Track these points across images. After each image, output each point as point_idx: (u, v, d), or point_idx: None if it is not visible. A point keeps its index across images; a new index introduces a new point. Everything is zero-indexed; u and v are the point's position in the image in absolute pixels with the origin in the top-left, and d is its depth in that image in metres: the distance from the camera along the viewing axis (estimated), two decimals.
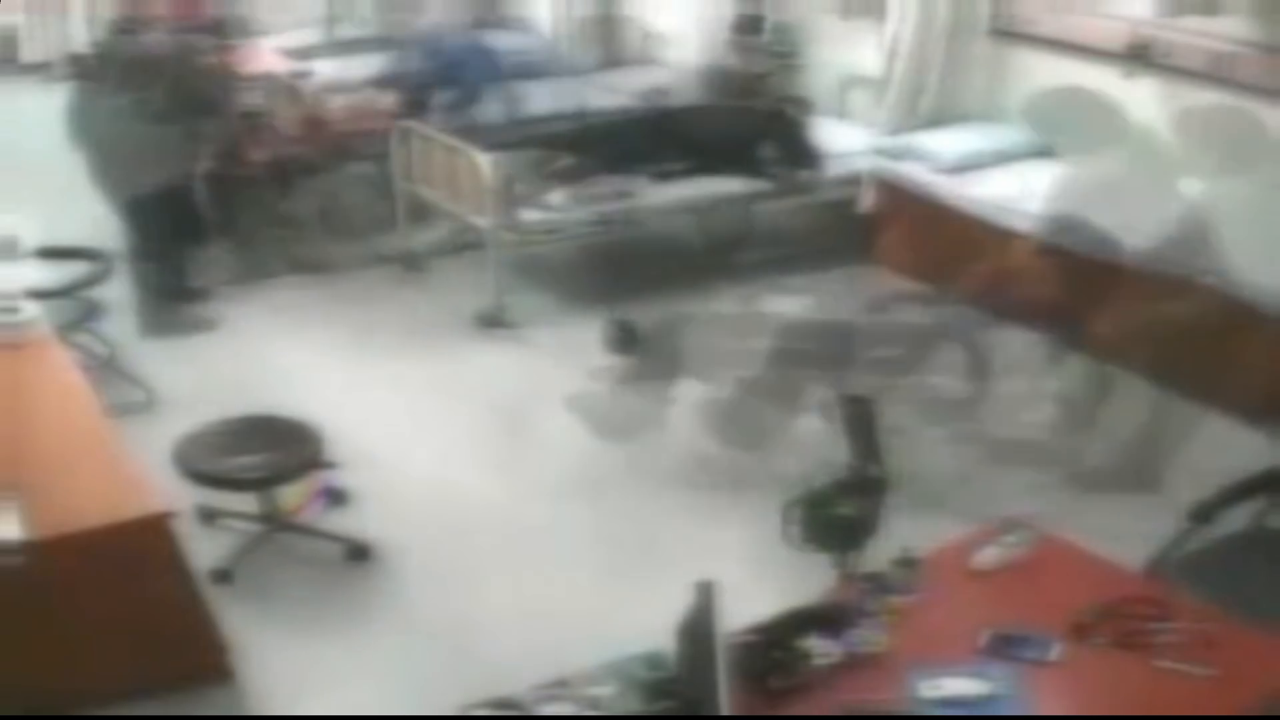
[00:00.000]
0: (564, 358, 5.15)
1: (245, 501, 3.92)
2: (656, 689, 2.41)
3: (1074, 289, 4.41)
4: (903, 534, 2.81)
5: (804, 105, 6.31)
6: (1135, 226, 4.28)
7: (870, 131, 6.23)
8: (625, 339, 5.26)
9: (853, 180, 6.15)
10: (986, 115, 6.07)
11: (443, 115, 6.34)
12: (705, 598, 2.28)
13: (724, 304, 5.22)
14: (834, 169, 6.12)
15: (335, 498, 4.15)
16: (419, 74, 6.65)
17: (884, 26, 6.13)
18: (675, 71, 7.11)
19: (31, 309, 4.14)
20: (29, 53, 8.57)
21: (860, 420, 2.82)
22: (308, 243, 6.19)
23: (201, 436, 3.83)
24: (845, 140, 6.21)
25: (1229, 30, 5.10)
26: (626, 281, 5.87)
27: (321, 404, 4.39)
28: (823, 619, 2.51)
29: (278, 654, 3.49)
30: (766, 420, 4.43)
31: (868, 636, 2.49)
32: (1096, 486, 4.19)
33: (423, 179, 6.00)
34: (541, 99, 6.72)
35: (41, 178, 5.61)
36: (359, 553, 3.92)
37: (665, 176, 5.96)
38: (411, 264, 6.17)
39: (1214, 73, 5.06)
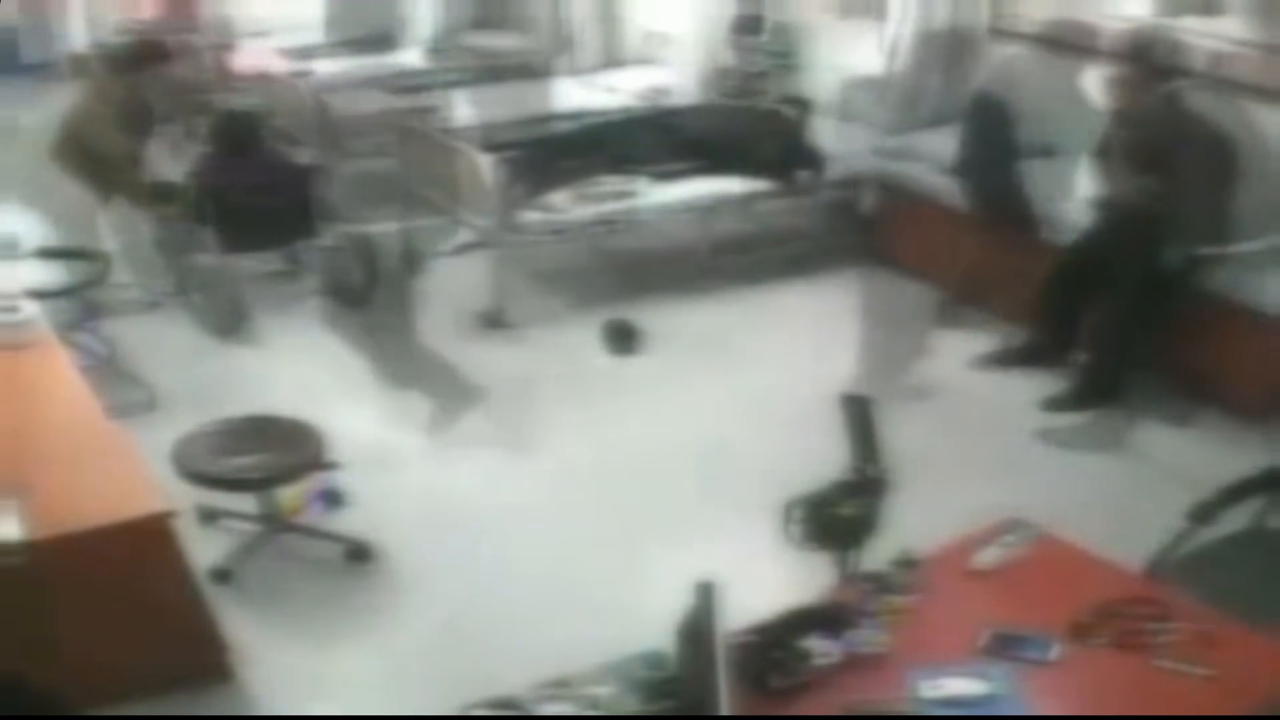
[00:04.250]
0: (565, 358, 5.15)
1: (245, 502, 3.92)
2: (657, 689, 2.41)
3: None
4: None
5: (804, 105, 6.31)
6: None
7: (871, 132, 6.22)
8: (624, 339, 5.28)
9: (853, 181, 6.15)
10: None
11: None
12: (705, 598, 2.28)
13: None
14: (835, 169, 6.12)
15: (332, 499, 4.15)
16: None
17: (884, 26, 6.13)
18: (675, 71, 7.11)
19: (31, 309, 4.14)
20: (29, 53, 8.56)
21: (860, 420, 2.81)
22: None
23: (201, 437, 3.83)
24: (846, 140, 6.21)
25: (1229, 30, 5.10)
26: (627, 282, 5.86)
27: (323, 405, 4.40)
28: (823, 619, 2.51)
29: (277, 654, 3.49)
30: None
31: (868, 636, 2.49)
32: None
33: (424, 179, 5.99)
34: (541, 99, 6.72)
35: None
36: (359, 553, 3.92)
37: (666, 177, 5.95)
38: (412, 265, 6.17)
39: (1214, 73, 5.06)
